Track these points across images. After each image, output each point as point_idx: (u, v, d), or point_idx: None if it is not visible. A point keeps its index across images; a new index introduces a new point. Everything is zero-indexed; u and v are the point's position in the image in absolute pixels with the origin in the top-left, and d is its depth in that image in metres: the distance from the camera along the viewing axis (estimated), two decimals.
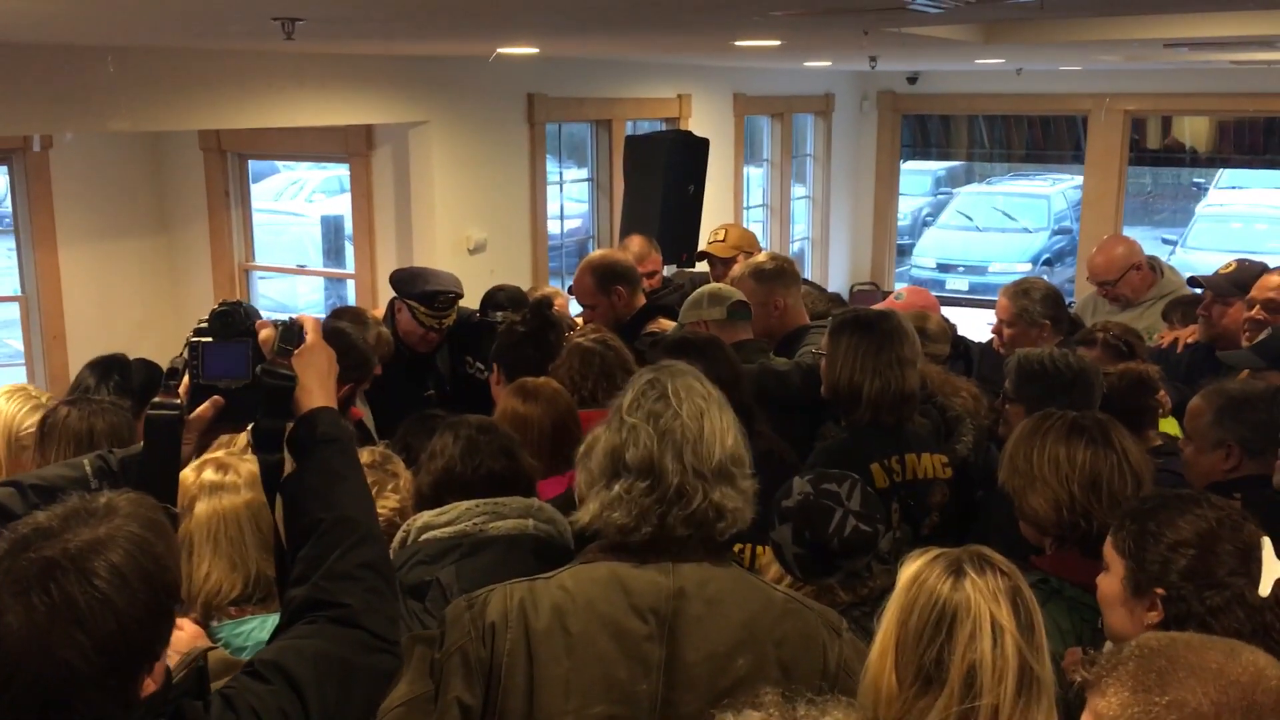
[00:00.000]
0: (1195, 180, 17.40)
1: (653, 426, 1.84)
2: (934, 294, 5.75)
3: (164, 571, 1.34)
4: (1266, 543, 1.93)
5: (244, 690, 1.44)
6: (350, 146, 6.75)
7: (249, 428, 1.76)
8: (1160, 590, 1.97)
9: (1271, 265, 4.22)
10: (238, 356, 1.72)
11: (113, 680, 1.29)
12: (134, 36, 4.65)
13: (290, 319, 1.76)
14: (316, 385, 1.71)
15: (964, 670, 1.69)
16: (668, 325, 4.18)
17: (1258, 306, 3.85)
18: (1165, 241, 14.75)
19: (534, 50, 6.01)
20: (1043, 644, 1.74)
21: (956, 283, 13.75)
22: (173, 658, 1.97)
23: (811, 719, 1.45)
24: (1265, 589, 1.86)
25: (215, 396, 1.71)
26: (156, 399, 1.68)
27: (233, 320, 1.72)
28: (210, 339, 1.71)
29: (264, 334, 1.73)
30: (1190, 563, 1.96)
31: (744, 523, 1.89)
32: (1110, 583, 2.06)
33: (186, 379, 1.73)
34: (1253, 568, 1.91)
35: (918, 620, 1.74)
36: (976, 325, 6.48)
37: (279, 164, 11.51)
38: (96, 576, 1.27)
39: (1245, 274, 4.14)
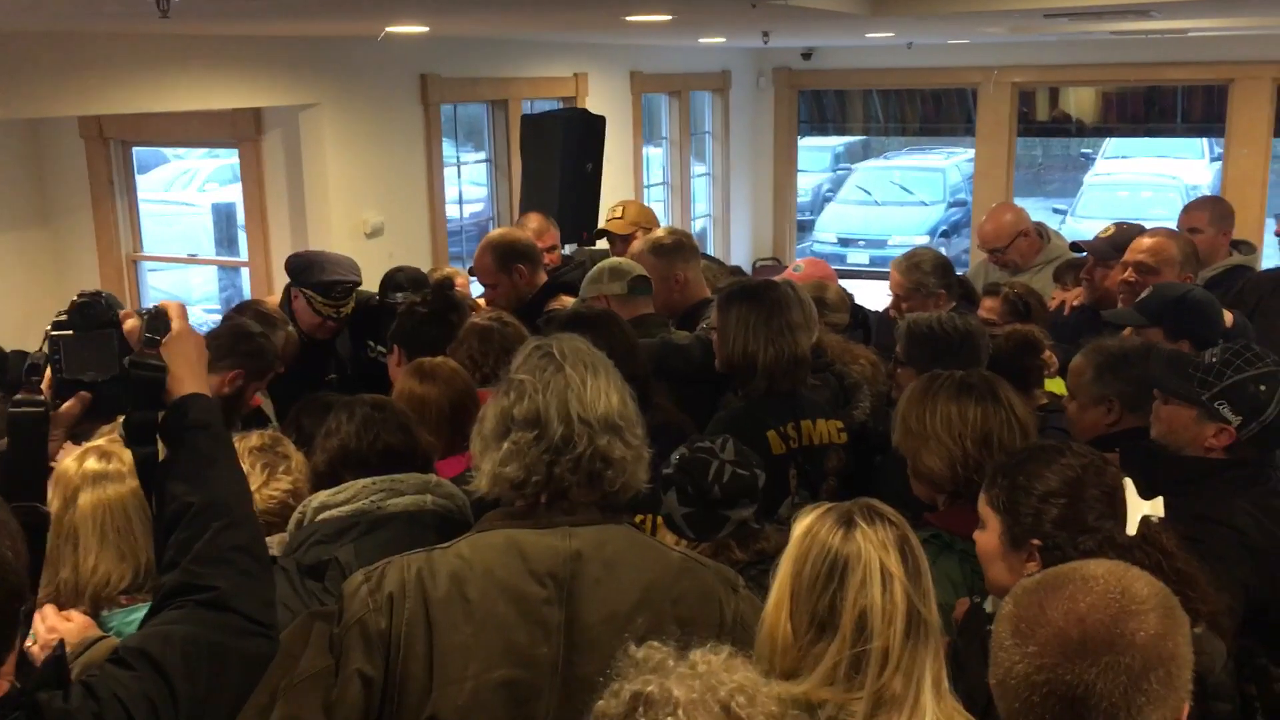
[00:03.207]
0: (1083, 151, 17.93)
1: (538, 380, 1.88)
2: (836, 268, 5.86)
3: (6, 577, 1.28)
4: (1128, 483, 2.01)
5: (107, 678, 1.40)
6: (239, 131, 6.59)
7: (120, 421, 1.71)
8: (1036, 541, 2.04)
9: (1149, 227, 4.36)
10: (103, 349, 1.66)
11: None
12: (4, 20, 4.48)
13: (155, 307, 1.71)
14: (187, 373, 1.67)
15: (855, 616, 1.74)
16: (569, 302, 4.17)
17: (1130, 268, 3.97)
18: (1056, 211, 15.19)
19: (424, 29, 5.93)
20: (929, 590, 1.80)
21: (857, 256, 14.00)
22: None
23: (704, 648, 1.48)
24: (1132, 528, 1.94)
25: (82, 392, 1.65)
26: (18, 395, 1.61)
27: (94, 311, 1.66)
28: (71, 332, 1.65)
29: (129, 324, 1.67)
30: (1061, 511, 2.04)
31: (636, 479, 1.92)
32: (988, 539, 2.13)
33: (49, 374, 1.66)
34: (1118, 509, 2.00)
35: (811, 570, 1.79)
36: (878, 297, 6.60)
37: (169, 153, 11.20)
38: None
39: (1123, 237, 4.28)
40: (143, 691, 1.40)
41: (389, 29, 5.72)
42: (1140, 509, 1.95)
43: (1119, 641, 1.34)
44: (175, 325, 1.69)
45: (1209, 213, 4.79)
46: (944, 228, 14.95)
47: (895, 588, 1.75)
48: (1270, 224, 8.89)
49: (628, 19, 5.60)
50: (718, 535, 2.42)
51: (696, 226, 10.83)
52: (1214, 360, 2.64)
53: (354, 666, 1.79)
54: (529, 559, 1.84)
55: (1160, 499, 1.98)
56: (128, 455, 2.08)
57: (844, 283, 5.17)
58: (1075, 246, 4.82)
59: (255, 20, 5.07)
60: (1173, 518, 2.13)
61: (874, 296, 6.89)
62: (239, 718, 1.59)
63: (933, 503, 2.55)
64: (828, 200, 16.18)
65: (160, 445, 1.65)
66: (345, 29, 6.01)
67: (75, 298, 1.68)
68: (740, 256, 11.14)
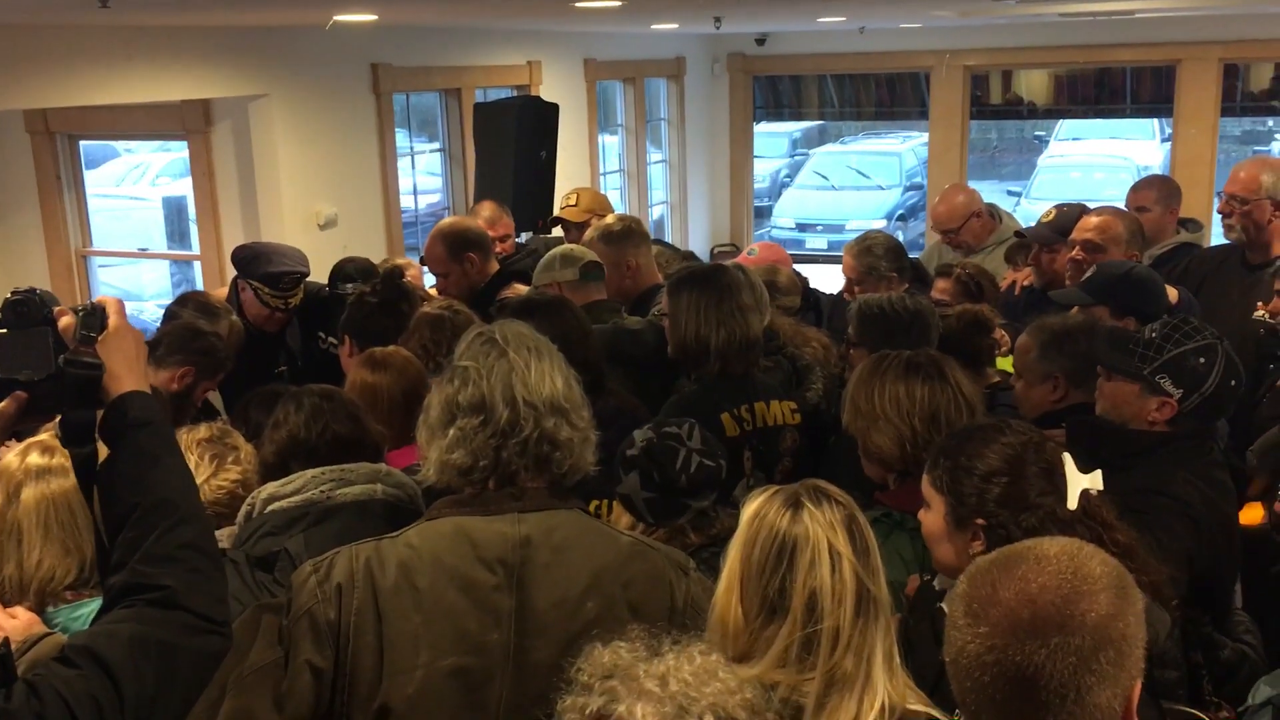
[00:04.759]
0: (1037, 133, 18.11)
1: (482, 365, 1.88)
2: (794, 253, 5.88)
3: None
4: (1067, 458, 2.03)
5: (51, 677, 1.37)
6: (188, 123, 6.50)
7: (58, 420, 1.67)
8: (980, 520, 2.06)
9: (1092, 207, 4.40)
10: (37, 347, 1.62)
11: None
12: None
13: (90, 303, 1.66)
14: (125, 370, 1.62)
15: (805, 597, 1.76)
16: (522, 290, 4.16)
17: (1077, 247, 4.02)
18: (1010, 193, 15.32)
19: (372, 17, 5.87)
20: (878, 567, 1.82)
21: (816, 241, 14.05)
22: None
23: (676, 652, 1.48)
24: (1072, 502, 1.96)
25: (17, 391, 1.60)
26: None
27: (26, 309, 1.61)
28: (4, 330, 1.61)
29: (64, 321, 1.62)
30: (1003, 490, 2.05)
31: (584, 461, 1.92)
32: (933, 519, 2.14)
33: None
34: (1058, 484, 2.02)
35: (760, 553, 1.80)
36: (836, 282, 6.63)
37: (120, 147, 11.05)
38: None
39: (1065, 219, 4.31)
40: (88, 691, 1.37)
41: (337, 18, 5.66)
42: (1080, 483, 1.97)
43: (1069, 622, 1.32)
44: (112, 321, 1.65)
45: (1156, 191, 4.86)
46: (901, 211, 15.04)
47: (844, 567, 1.77)
48: (1217, 201, 8.99)
49: (577, 4, 5.58)
50: (676, 521, 2.42)
51: (654, 214, 10.82)
52: (1154, 335, 2.68)
53: (303, 658, 1.79)
54: (478, 546, 1.83)
55: (1099, 472, 2.00)
56: None
57: (802, 268, 5.20)
58: (1020, 235, 4.87)
59: (197, 10, 5.00)
60: (1116, 491, 2.15)
61: (833, 281, 6.92)
62: (190, 713, 1.57)
63: (883, 482, 2.57)
64: (785, 186, 16.23)
65: (101, 445, 1.62)
66: (292, 18, 5.94)
67: (8, 295, 1.64)
68: (698, 243, 11.15)
